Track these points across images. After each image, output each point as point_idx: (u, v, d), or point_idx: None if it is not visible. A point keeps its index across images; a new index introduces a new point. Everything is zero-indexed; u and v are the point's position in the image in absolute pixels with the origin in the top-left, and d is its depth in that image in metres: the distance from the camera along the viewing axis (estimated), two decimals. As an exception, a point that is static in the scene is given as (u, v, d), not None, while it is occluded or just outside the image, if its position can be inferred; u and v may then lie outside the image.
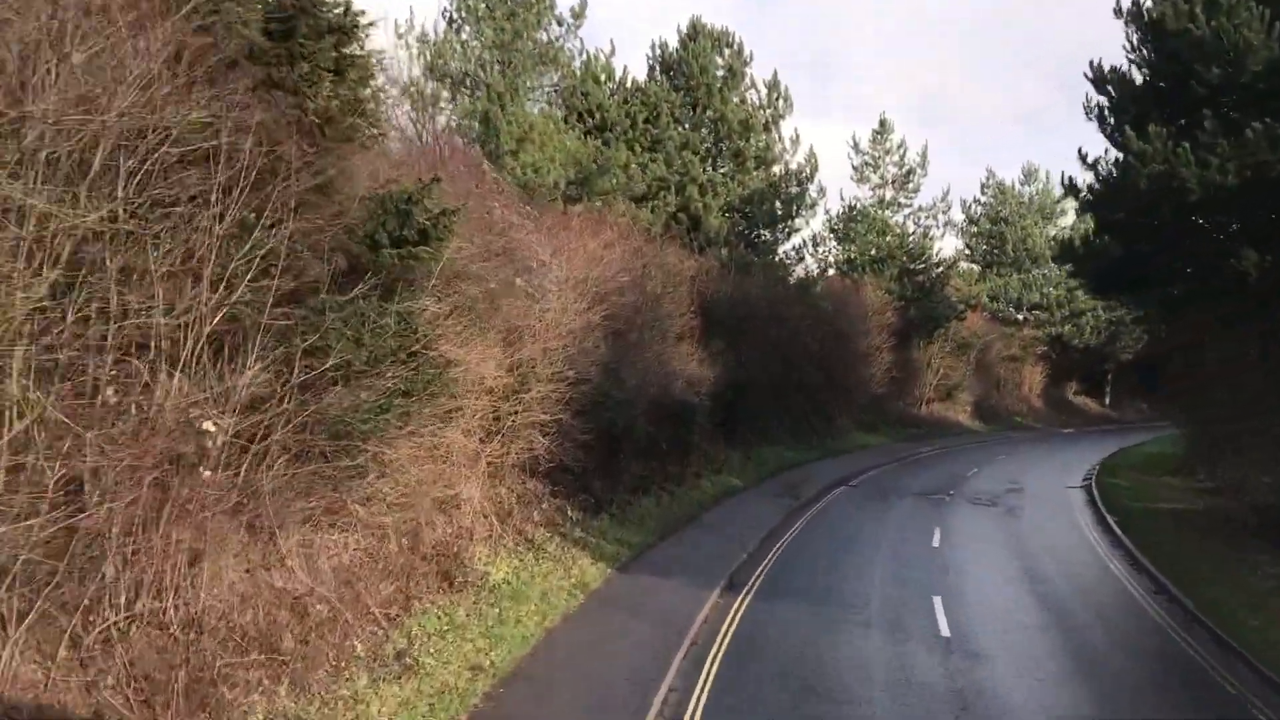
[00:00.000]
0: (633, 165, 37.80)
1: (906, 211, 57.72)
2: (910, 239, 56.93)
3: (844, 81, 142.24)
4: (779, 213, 44.24)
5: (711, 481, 31.79)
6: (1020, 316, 73.08)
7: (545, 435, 20.76)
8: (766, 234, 44.54)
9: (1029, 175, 75.34)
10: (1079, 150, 28.73)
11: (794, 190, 44.52)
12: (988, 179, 74.89)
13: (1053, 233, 74.22)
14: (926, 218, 57.23)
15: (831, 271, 56.35)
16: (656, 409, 27.75)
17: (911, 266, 57.04)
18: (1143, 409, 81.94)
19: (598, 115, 37.66)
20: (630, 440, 26.20)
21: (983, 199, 74.97)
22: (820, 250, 56.06)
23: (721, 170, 43.53)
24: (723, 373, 35.25)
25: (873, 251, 56.30)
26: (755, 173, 43.83)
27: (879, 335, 54.41)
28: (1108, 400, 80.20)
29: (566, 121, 36.14)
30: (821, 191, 46.28)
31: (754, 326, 39.96)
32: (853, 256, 56.67)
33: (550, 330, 20.89)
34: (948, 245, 72.74)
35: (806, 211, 45.61)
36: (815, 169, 45.03)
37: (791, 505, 30.13)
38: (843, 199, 56.32)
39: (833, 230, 58.21)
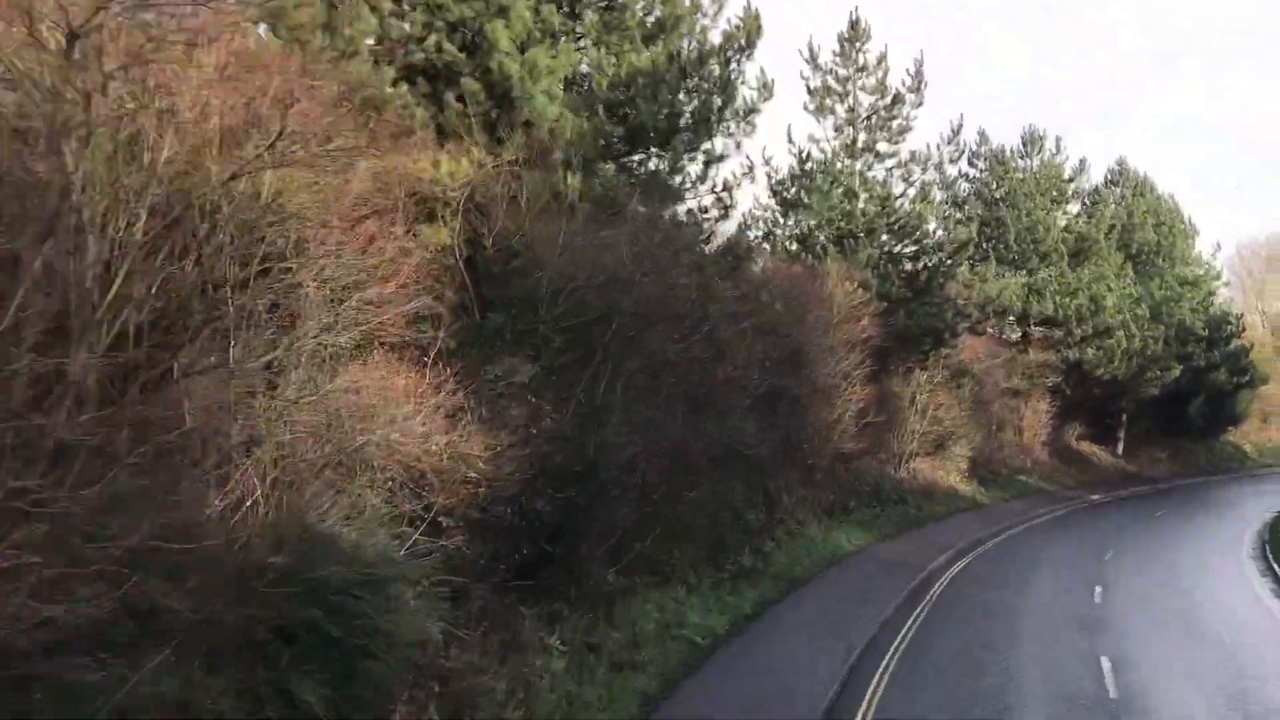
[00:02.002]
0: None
1: (891, 164, 36.56)
2: (899, 206, 35.79)
3: None
4: (684, 115, 22.59)
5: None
6: (1021, 333, 52.88)
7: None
8: (659, 157, 22.85)
9: (1030, 143, 55.39)
10: None
11: (712, 75, 22.96)
12: (979, 144, 54.75)
13: (1064, 221, 54.53)
14: (923, 172, 35.99)
15: (771, 251, 35.05)
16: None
17: (899, 249, 36.05)
18: (1160, 459, 63.00)
19: None
20: None
21: (974, 172, 54.83)
22: (758, 215, 34.54)
23: (577, 27, 21.93)
24: (540, 445, 13.82)
25: (840, 224, 35.08)
26: (643, 47, 22.26)
27: (850, 355, 33.31)
28: (1120, 448, 60.44)
29: None
30: (765, 90, 24.49)
31: (626, 334, 18.37)
32: (809, 230, 35.36)
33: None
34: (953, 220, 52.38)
35: (736, 125, 23.95)
36: (754, 37, 23.59)
37: None
38: (793, 145, 33.82)
39: (779, 192, 36.84)
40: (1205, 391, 61.08)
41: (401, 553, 11.59)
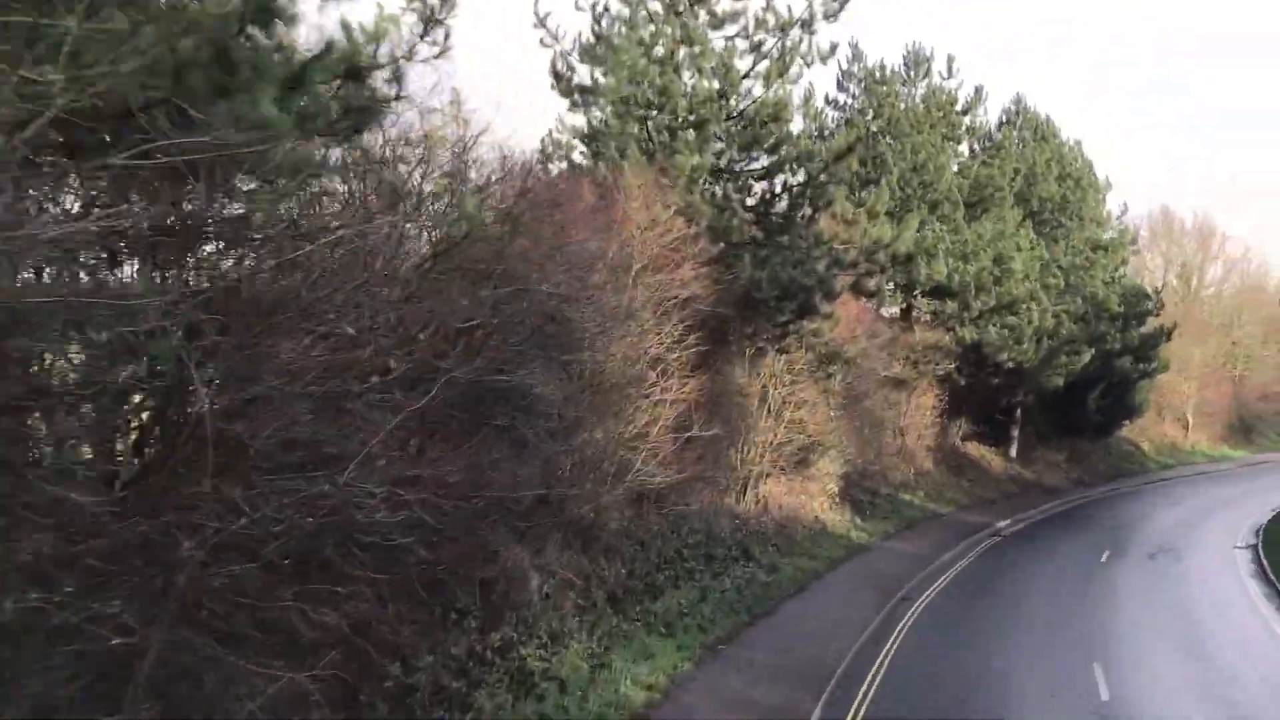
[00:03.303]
0: None
1: (733, 30, 22.91)
2: (745, 90, 22.26)
3: None
4: None
5: None
6: (905, 305, 40.73)
7: None
8: None
9: (915, 65, 43.23)
10: None
11: None
12: (852, 59, 42.16)
13: (956, 166, 42.64)
14: (782, 40, 22.41)
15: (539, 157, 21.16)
16: None
17: (744, 163, 22.66)
18: (1056, 462, 52.36)
19: None
20: None
21: (845, 98, 42.29)
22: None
23: None
24: None
25: (650, 112, 21.38)
26: None
27: (662, 326, 19.94)
28: (1014, 450, 49.25)
29: None
30: None
31: None
32: (602, 123, 21.57)
33: None
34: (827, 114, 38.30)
35: None
36: None
37: None
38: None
39: (563, 75, 22.87)
40: (1107, 381, 50.54)
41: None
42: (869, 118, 40.93)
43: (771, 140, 21.63)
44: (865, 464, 36.35)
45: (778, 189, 22.20)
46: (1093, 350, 44.48)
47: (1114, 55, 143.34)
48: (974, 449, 47.66)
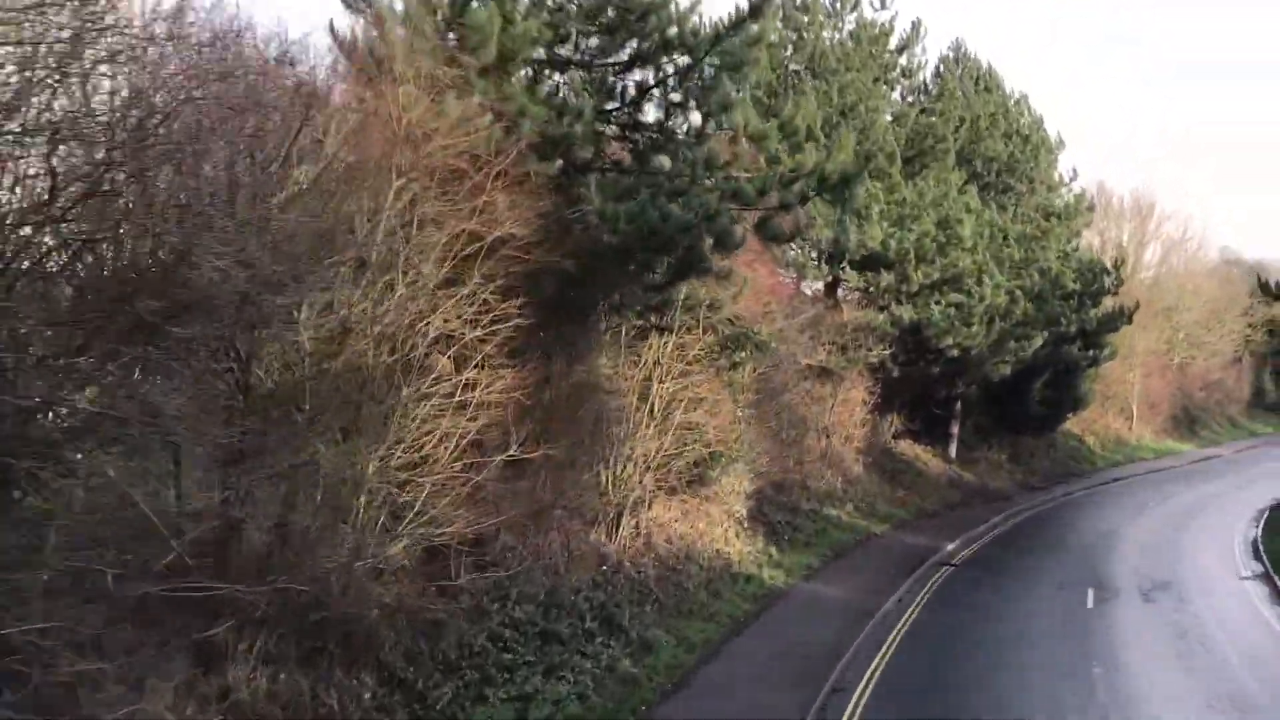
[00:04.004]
0: None
1: None
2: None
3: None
4: None
5: None
6: (831, 279, 33.71)
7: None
8: None
9: (842, -4, 36.22)
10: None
11: None
12: (770, -16, 34.83)
13: (891, 115, 35.77)
14: None
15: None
16: None
17: (595, 55, 15.05)
18: (998, 462, 46.12)
19: None
20: None
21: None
22: None
23: None
24: None
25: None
26: None
27: (453, 286, 12.21)
28: (953, 449, 42.71)
29: None
30: None
31: None
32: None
33: None
34: None
35: None
36: None
37: None
38: None
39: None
40: (1052, 369, 44.32)
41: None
42: (789, 53, 33.78)
43: (642, 7, 14.10)
44: (783, 474, 29.24)
45: (649, 81, 14.67)
46: (1045, 334, 38.06)
47: (1068, 7, 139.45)
48: (909, 449, 40.88)
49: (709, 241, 13.95)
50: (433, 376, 12.57)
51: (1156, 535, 31.41)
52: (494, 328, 13.07)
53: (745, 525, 24.57)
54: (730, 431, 23.18)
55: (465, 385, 13.25)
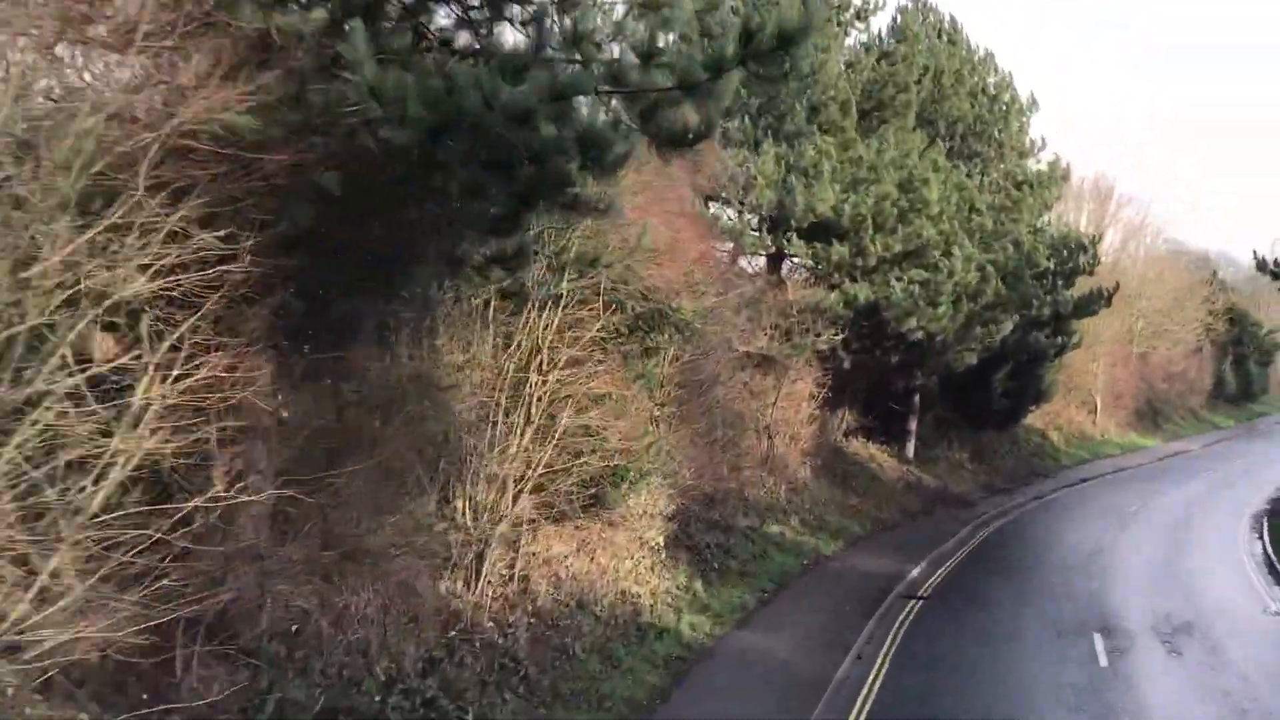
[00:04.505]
0: None
1: None
2: None
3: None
4: None
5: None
6: (774, 250, 28.58)
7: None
8: None
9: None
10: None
11: None
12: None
13: (842, 65, 30.77)
14: None
15: None
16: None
17: None
18: (960, 461, 41.66)
19: None
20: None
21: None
22: None
23: None
24: None
25: None
26: None
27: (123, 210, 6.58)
28: (911, 448, 37.91)
29: None
30: None
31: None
32: None
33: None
34: None
35: None
36: None
37: None
38: None
39: None
40: (1014, 359, 39.78)
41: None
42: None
43: None
44: (715, 485, 24.03)
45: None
46: (1017, 317, 33.37)
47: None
48: (862, 449, 35.95)
49: (573, 145, 8.65)
50: (57, 364, 7.07)
51: (1153, 554, 26.79)
52: (187, 284, 7.58)
53: (663, 555, 19.29)
54: (641, 437, 17.89)
55: (158, 370, 7.78)
